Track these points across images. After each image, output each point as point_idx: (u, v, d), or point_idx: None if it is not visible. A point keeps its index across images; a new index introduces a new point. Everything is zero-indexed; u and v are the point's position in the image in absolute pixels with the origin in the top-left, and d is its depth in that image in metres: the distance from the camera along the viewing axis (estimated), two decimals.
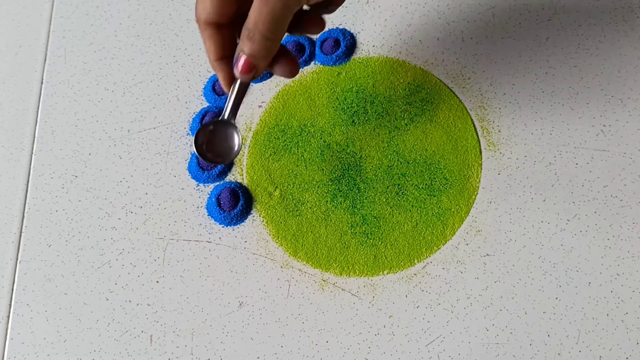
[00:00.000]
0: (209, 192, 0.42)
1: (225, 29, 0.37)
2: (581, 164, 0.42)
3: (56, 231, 0.41)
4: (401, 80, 0.45)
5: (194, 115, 0.44)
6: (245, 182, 0.43)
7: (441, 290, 0.40)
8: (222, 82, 0.38)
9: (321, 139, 0.44)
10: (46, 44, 0.47)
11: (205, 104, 0.45)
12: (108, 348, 0.39)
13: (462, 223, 0.41)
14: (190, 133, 0.44)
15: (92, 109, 0.45)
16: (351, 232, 0.41)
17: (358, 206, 0.42)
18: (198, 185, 0.42)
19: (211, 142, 0.37)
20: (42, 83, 0.46)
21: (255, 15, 0.35)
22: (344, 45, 0.46)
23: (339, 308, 0.39)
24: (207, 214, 0.42)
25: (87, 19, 0.48)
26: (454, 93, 0.45)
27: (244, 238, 0.41)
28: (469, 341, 0.38)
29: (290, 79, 0.45)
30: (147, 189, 0.42)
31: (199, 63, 0.46)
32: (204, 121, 0.43)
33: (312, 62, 0.46)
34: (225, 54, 0.37)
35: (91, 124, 0.44)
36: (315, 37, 0.46)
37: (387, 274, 0.40)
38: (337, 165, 0.43)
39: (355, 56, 0.46)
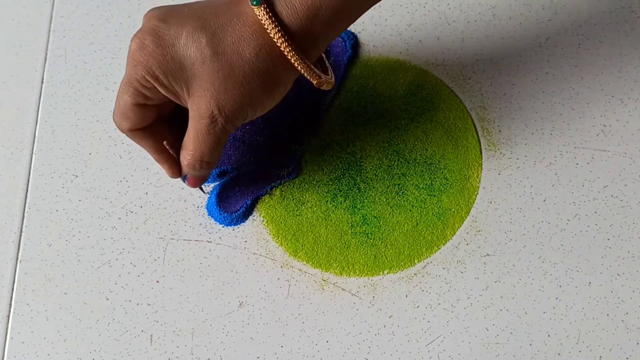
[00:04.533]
0: (209, 192, 0.42)
1: (153, 127, 0.37)
2: (581, 164, 0.42)
3: (56, 231, 0.41)
4: (401, 80, 0.45)
5: None
6: None
7: (441, 290, 0.40)
8: (169, 173, 0.38)
9: (321, 139, 0.44)
10: (46, 43, 0.47)
11: None
12: (108, 348, 0.39)
13: (462, 223, 0.41)
14: None
15: (93, 109, 0.45)
16: (351, 232, 0.41)
17: (358, 206, 0.42)
18: None
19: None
20: (42, 83, 0.46)
21: (199, 147, 0.36)
22: (349, 46, 0.46)
23: (339, 308, 0.39)
24: (207, 213, 0.42)
25: (88, 18, 0.48)
26: (454, 93, 0.45)
27: (244, 238, 0.41)
28: (469, 341, 0.38)
29: None
30: (147, 189, 0.42)
31: None
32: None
33: None
34: (164, 148, 0.37)
35: (91, 123, 0.44)
36: None
37: (387, 273, 0.40)
38: (337, 165, 0.43)
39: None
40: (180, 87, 0.34)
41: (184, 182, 0.39)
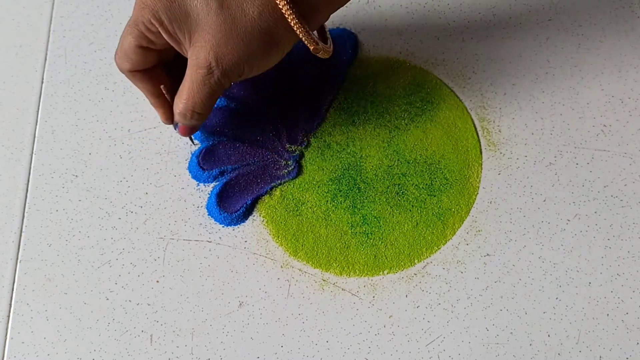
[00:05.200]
0: (209, 192, 0.42)
1: (152, 71, 0.39)
2: (581, 164, 0.42)
3: (56, 231, 0.41)
4: (401, 80, 0.45)
5: None
6: None
7: (441, 290, 0.40)
8: (162, 119, 0.40)
9: (321, 139, 0.44)
10: (46, 43, 0.47)
11: None
12: (108, 348, 0.39)
13: (462, 223, 0.41)
14: None
15: (93, 109, 0.45)
16: (351, 232, 0.41)
17: (358, 206, 0.42)
18: (198, 185, 0.42)
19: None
20: (42, 83, 0.46)
21: (192, 96, 0.37)
22: (349, 46, 0.46)
23: (339, 308, 0.39)
24: (207, 213, 0.42)
25: (88, 18, 0.48)
26: (454, 93, 0.45)
27: (244, 238, 0.41)
28: (469, 341, 0.38)
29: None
30: (147, 189, 0.42)
31: None
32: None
33: None
34: (160, 92, 0.39)
35: (91, 123, 0.44)
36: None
37: (387, 273, 0.40)
38: (337, 165, 0.43)
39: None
40: (183, 35, 0.35)
41: (175, 129, 0.40)
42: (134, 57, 0.37)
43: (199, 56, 0.35)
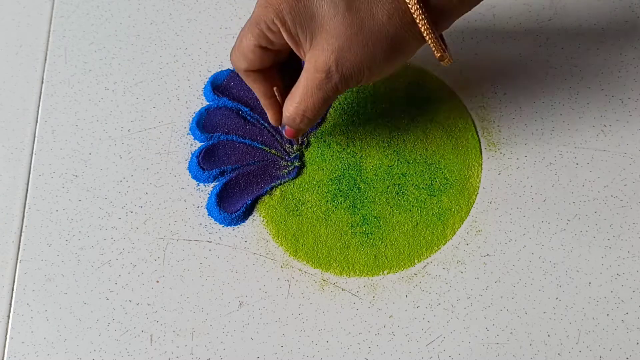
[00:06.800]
0: (209, 192, 0.42)
1: (267, 71, 0.37)
2: (581, 164, 0.42)
3: (56, 231, 0.41)
4: (401, 80, 0.45)
5: (194, 115, 0.44)
6: None
7: (441, 290, 0.40)
8: (271, 120, 0.39)
9: (321, 139, 0.44)
10: (46, 43, 0.47)
11: (206, 104, 0.45)
12: (108, 348, 0.39)
13: (462, 223, 0.41)
14: (190, 133, 0.44)
15: (93, 109, 0.45)
16: (351, 232, 0.41)
17: (358, 206, 0.42)
18: (198, 185, 0.42)
19: None
20: (42, 83, 0.46)
21: (305, 100, 0.36)
22: None
23: (339, 308, 0.39)
24: (207, 213, 0.42)
25: (88, 18, 0.48)
26: (454, 93, 0.45)
27: (244, 238, 0.41)
28: (469, 341, 0.38)
29: None
30: (147, 189, 0.42)
31: (199, 63, 0.46)
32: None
33: None
34: (272, 93, 0.38)
35: (91, 123, 0.44)
36: None
37: (387, 273, 0.40)
38: (337, 165, 0.43)
39: None
40: (305, 37, 0.34)
41: (282, 130, 0.40)
42: (251, 57, 0.36)
43: (318, 59, 0.34)
